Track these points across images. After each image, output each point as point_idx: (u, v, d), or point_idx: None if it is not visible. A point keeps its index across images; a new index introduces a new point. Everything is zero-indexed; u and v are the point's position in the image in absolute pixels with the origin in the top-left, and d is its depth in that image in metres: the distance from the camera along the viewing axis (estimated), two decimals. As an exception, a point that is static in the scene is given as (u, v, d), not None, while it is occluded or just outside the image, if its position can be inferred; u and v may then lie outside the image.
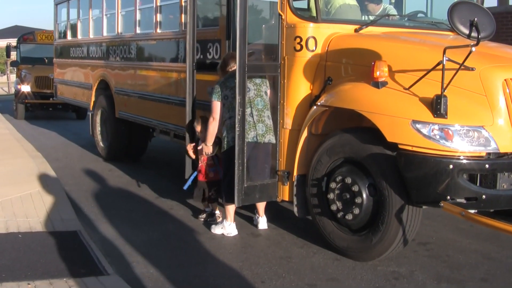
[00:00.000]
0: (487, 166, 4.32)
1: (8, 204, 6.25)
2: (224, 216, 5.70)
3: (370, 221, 4.74)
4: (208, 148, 5.77)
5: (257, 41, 6.10)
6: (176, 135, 7.51)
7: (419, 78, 4.45)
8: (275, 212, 6.18)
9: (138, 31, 8.39)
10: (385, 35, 5.43)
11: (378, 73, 4.57)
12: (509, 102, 4.45)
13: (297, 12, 5.28)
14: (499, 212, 5.28)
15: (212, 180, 5.96)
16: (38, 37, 17.51)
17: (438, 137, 4.30)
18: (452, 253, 5.17)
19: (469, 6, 4.34)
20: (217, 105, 5.51)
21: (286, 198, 5.43)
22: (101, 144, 9.79)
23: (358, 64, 5.01)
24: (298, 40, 5.22)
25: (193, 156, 6.13)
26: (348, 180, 4.78)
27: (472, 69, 4.41)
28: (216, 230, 5.67)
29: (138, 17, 8.34)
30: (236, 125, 5.19)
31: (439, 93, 4.26)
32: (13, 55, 19.67)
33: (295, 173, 5.23)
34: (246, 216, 6.19)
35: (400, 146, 4.42)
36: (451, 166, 4.24)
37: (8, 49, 18.87)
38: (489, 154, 4.37)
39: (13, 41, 19.02)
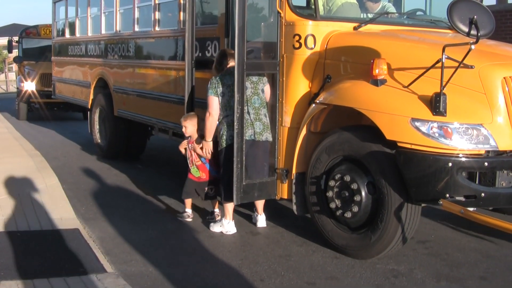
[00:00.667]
0: (486, 164, 4.31)
1: (7, 202, 6.25)
2: (223, 214, 5.69)
3: (369, 219, 4.73)
4: (208, 144, 5.72)
5: (256, 39, 6.09)
6: (175, 133, 7.49)
7: (418, 76, 4.45)
8: (274, 210, 6.17)
9: (136, 29, 8.37)
10: (384, 33, 5.42)
11: (377, 71, 4.56)
12: (508, 100, 4.44)
13: (296, 9, 5.26)
14: (498, 210, 5.30)
15: (203, 180, 5.93)
16: (42, 31, 16.31)
17: (437, 135, 4.29)
18: (451, 251, 5.16)
19: (469, 4, 4.33)
20: (213, 100, 5.48)
21: (285, 196, 5.42)
22: (100, 142, 9.78)
23: (357, 62, 5.00)
24: (297, 38, 5.21)
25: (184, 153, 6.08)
26: (347, 178, 4.77)
27: (471, 67, 4.41)
28: (215, 228, 5.67)
29: (136, 15, 8.32)
30: (235, 123, 5.17)
31: (438, 91, 4.25)
32: (14, 52, 18.70)
33: (294, 171, 5.23)
34: (245, 214, 6.18)
35: (399, 144, 4.41)
36: (450, 164, 4.23)
37: (10, 43, 17.73)
38: (488, 152, 4.36)
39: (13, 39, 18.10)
